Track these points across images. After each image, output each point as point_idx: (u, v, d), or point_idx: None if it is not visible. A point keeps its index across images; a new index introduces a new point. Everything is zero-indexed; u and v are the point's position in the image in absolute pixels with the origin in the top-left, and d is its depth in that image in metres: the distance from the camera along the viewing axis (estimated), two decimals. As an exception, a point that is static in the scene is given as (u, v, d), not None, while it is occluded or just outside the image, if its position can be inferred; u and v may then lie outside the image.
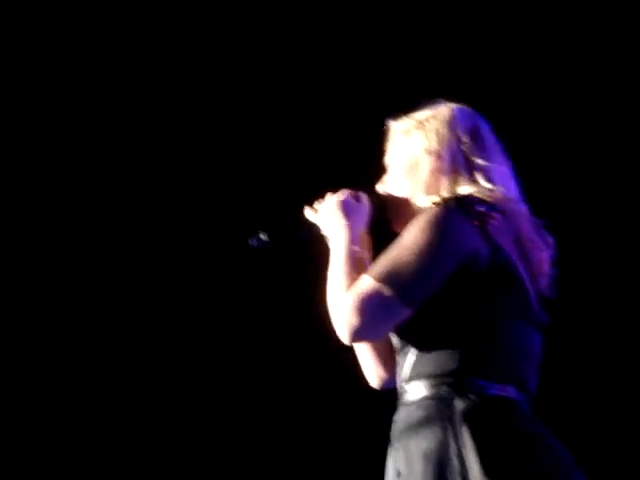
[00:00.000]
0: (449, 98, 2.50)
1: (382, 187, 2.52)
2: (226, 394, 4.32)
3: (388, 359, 2.47)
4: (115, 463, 4.31)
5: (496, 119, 2.52)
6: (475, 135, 2.42)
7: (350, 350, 2.55)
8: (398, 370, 2.36)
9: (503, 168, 2.41)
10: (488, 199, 2.32)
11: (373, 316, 2.24)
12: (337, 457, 4.19)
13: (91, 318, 4.32)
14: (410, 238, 2.26)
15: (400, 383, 2.34)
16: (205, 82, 4.28)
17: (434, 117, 2.45)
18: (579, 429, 3.84)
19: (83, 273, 4.33)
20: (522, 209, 2.38)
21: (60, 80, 4.25)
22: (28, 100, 4.25)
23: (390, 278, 2.23)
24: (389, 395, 2.42)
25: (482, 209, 2.28)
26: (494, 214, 2.29)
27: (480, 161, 2.38)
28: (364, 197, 2.47)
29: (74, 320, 4.32)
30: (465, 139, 2.40)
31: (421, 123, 2.45)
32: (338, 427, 4.20)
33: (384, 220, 2.49)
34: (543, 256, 2.38)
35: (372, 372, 2.54)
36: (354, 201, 2.45)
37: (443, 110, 2.46)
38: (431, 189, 2.39)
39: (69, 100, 4.28)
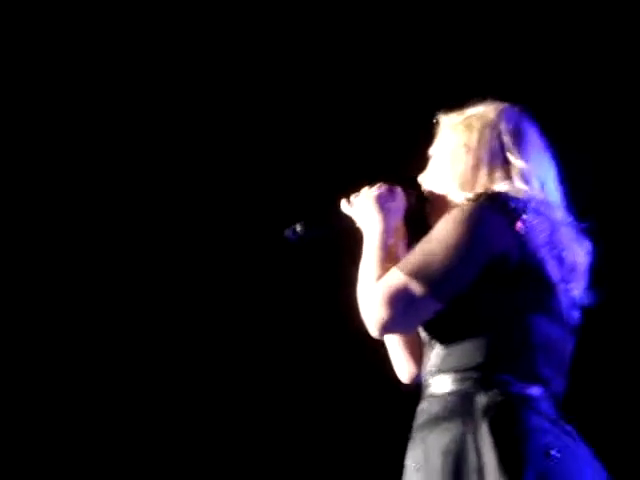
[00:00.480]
0: (502, 97, 2.53)
1: (423, 178, 2.55)
2: (254, 382, 4.34)
3: (418, 354, 2.48)
4: (115, 463, 4.33)
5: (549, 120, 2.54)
6: (518, 136, 2.43)
7: (381, 344, 2.58)
8: (424, 363, 2.38)
9: (544, 171, 2.42)
10: (522, 198, 2.33)
11: (402, 310, 2.25)
12: (364, 448, 4.21)
13: (98, 317, 4.35)
14: (442, 233, 2.28)
15: (425, 376, 2.37)
16: (239, 75, 4.29)
17: (480, 115, 2.48)
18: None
19: (87, 272, 4.34)
20: (559, 212, 2.39)
21: (60, 80, 4.27)
22: (28, 100, 4.26)
23: (420, 272, 2.25)
24: (417, 389, 2.44)
25: (515, 207, 2.29)
26: (527, 213, 2.30)
27: (519, 162, 2.39)
28: (399, 191, 2.50)
29: (77, 320, 4.33)
30: (507, 139, 2.42)
31: (467, 119, 2.49)
32: (366, 419, 4.21)
33: (421, 214, 2.51)
34: (578, 262, 2.39)
35: (402, 366, 2.56)
36: (389, 195, 2.48)
37: (490, 109, 2.49)
38: (466, 185, 2.41)
39: (69, 100, 4.28)
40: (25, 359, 4.31)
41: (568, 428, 2.28)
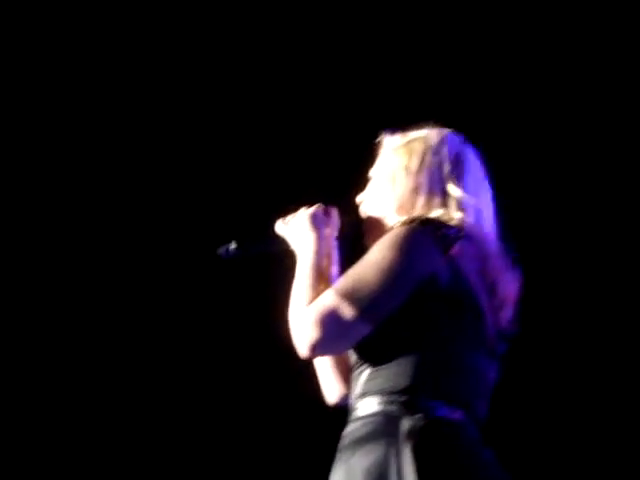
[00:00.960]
0: (446, 124, 2.54)
1: (361, 198, 2.56)
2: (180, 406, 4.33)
3: (346, 375, 2.49)
4: (114, 463, 4.31)
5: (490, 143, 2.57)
6: (459, 164, 2.45)
7: (309, 364, 2.58)
8: (352, 386, 2.38)
9: (480, 201, 2.44)
10: (456, 226, 2.35)
11: (332, 331, 2.26)
12: (288, 471, 4.20)
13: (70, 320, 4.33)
14: (374, 257, 2.29)
15: (353, 399, 2.36)
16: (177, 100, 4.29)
17: (423, 139, 2.49)
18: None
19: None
20: (491, 242, 2.41)
21: (57, 80, 4.27)
22: (28, 100, 4.26)
23: (352, 295, 2.26)
24: (345, 411, 2.45)
25: (447, 233, 2.31)
26: (459, 239, 2.31)
27: (457, 190, 2.41)
28: (335, 212, 2.51)
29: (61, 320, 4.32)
30: (447, 167, 2.44)
31: (409, 142, 2.50)
32: (291, 441, 4.22)
33: (357, 235, 2.52)
34: (508, 291, 2.41)
35: (330, 388, 2.57)
36: (324, 215, 2.49)
37: (433, 134, 2.50)
38: (403, 209, 2.43)
39: (65, 100, 4.29)
40: (25, 359, 4.29)
41: (488, 453, 2.28)
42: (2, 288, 4.29)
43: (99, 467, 4.30)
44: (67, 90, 4.28)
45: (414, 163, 2.45)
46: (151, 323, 4.32)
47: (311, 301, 2.30)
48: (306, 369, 2.62)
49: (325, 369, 2.57)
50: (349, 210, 2.54)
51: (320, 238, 2.44)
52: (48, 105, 4.28)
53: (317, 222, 2.47)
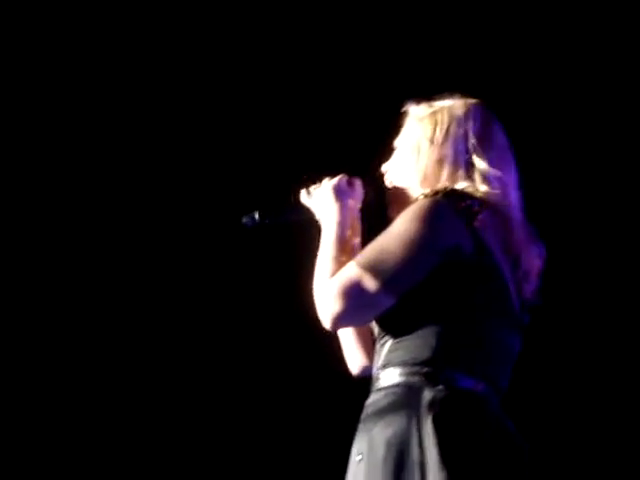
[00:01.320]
0: (471, 94, 2.52)
1: (386, 168, 2.55)
2: (207, 369, 4.34)
3: (369, 347, 2.49)
4: (114, 463, 4.33)
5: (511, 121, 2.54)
6: (484, 136, 2.43)
7: (334, 335, 2.57)
8: (375, 357, 2.38)
9: (504, 174, 2.41)
10: (481, 198, 2.33)
11: (355, 303, 2.26)
12: (311, 440, 4.22)
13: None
14: (397, 229, 2.29)
15: (375, 370, 2.37)
16: (204, 68, 4.27)
17: (449, 109, 2.47)
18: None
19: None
20: (515, 215, 2.39)
21: (56, 80, 4.26)
22: (28, 100, 4.25)
23: (375, 267, 2.25)
24: (368, 382, 2.44)
25: (471, 205, 2.30)
26: (483, 211, 2.30)
27: (482, 163, 2.39)
28: (358, 183, 2.50)
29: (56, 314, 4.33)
30: (472, 138, 2.42)
31: (435, 113, 2.48)
32: (316, 410, 4.23)
33: (381, 206, 2.52)
34: (532, 264, 2.40)
35: (353, 359, 2.57)
36: (347, 186, 2.48)
37: (459, 104, 2.48)
38: (428, 179, 2.41)
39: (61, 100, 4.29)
40: (25, 359, 4.30)
41: (509, 425, 2.28)
42: (6, 287, 4.30)
43: (99, 465, 4.31)
44: (63, 84, 4.27)
45: (439, 134, 2.44)
46: (175, 291, 4.32)
47: (334, 273, 2.30)
48: (331, 339, 2.62)
49: (348, 340, 2.58)
50: (373, 180, 2.53)
51: (343, 209, 2.44)
52: (47, 103, 4.27)
53: (340, 193, 2.46)
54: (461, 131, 2.43)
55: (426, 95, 2.55)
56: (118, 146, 4.30)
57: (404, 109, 2.55)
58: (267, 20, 4.22)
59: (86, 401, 4.31)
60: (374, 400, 2.33)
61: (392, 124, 2.58)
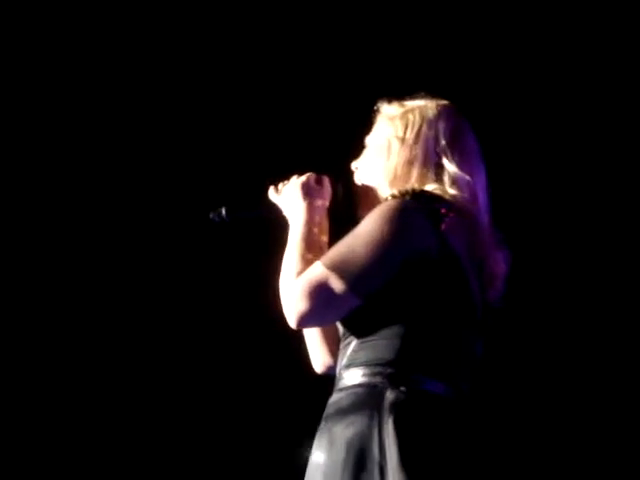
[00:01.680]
0: (444, 95, 2.52)
1: (356, 165, 2.54)
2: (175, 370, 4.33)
3: (334, 346, 2.49)
4: (114, 463, 4.31)
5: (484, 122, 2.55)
6: (454, 139, 2.43)
7: (299, 333, 2.57)
8: (339, 357, 2.38)
9: (473, 177, 2.41)
10: (449, 201, 2.33)
11: (320, 303, 2.26)
12: (273, 438, 4.21)
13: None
14: (364, 229, 2.29)
15: (339, 369, 2.37)
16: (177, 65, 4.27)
17: (420, 110, 2.47)
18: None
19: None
20: (483, 219, 2.39)
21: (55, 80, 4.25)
22: (28, 100, 4.24)
23: (340, 268, 2.25)
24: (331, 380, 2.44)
25: (439, 207, 2.30)
26: (450, 214, 2.30)
27: (451, 165, 2.39)
28: (327, 181, 2.50)
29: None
30: (443, 140, 2.42)
31: (406, 113, 2.47)
32: (279, 407, 4.22)
33: (350, 204, 2.51)
34: (497, 269, 2.40)
35: (317, 357, 2.58)
36: (315, 184, 2.48)
37: (430, 105, 2.48)
38: (397, 179, 2.41)
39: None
40: (25, 359, 4.28)
41: (470, 428, 2.28)
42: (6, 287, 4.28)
43: (99, 463, 4.31)
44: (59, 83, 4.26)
45: (410, 134, 2.43)
46: (143, 288, 4.31)
47: (300, 272, 2.30)
48: (297, 337, 2.61)
49: (313, 339, 2.58)
50: (342, 178, 2.53)
51: (311, 207, 2.44)
52: (43, 102, 4.27)
53: (308, 191, 2.46)
54: (432, 132, 2.43)
55: (397, 94, 2.54)
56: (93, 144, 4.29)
57: (375, 107, 2.54)
58: (239, 21, 4.22)
59: (75, 400, 4.31)
60: (336, 399, 2.32)
61: (363, 122, 2.58)
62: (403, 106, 2.50)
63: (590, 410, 4.11)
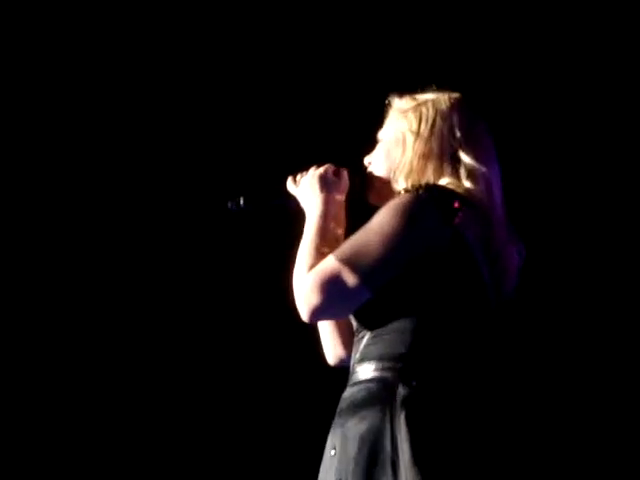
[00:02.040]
0: (456, 88, 2.51)
1: (368, 160, 2.53)
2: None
3: (348, 338, 2.49)
4: (114, 463, 4.32)
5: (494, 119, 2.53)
6: (469, 131, 2.41)
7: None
8: (353, 351, 2.38)
9: (488, 170, 2.39)
10: (464, 195, 2.32)
11: (332, 297, 2.26)
12: (289, 430, 4.21)
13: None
14: (378, 223, 2.28)
15: (352, 364, 2.37)
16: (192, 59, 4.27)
17: (433, 103, 2.45)
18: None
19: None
20: (497, 212, 2.38)
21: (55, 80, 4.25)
22: (28, 100, 4.24)
23: (353, 261, 2.25)
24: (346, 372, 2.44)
25: (454, 202, 2.29)
26: (465, 208, 2.29)
27: (467, 159, 2.38)
28: (345, 173, 2.49)
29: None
30: (457, 132, 2.40)
31: (419, 105, 2.46)
32: (295, 399, 4.23)
33: (364, 197, 2.51)
34: (511, 262, 2.39)
35: (330, 349, 2.57)
36: (333, 176, 2.47)
37: (443, 98, 2.46)
38: (413, 173, 2.40)
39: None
40: (25, 359, 4.28)
41: (483, 423, 2.27)
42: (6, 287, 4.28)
43: (99, 465, 4.31)
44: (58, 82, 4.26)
45: (424, 128, 2.42)
46: (159, 276, 4.31)
47: (313, 265, 2.30)
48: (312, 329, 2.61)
49: (326, 331, 2.58)
50: (358, 171, 2.52)
51: (328, 199, 2.43)
52: (43, 102, 4.26)
53: (326, 183, 2.45)
54: (446, 125, 2.42)
55: (408, 88, 2.53)
56: (105, 137, 4.29)
57: (387, 101, 2.53)
58: (252, 17, 4.22)
59: (77, 400, 4.31)
60: (349, 394, 2.33)
61: (375, 116, 2.56)
62: (415, 99, 2.49)
63: (602, 409, 4.09)
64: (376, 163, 2.51)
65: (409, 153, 2.42)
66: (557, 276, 4.08)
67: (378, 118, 2.55)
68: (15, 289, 4.28)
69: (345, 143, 2.84)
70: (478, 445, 2.23)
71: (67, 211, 4.29)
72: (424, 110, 2.44)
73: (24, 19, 4.18)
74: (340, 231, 2.43)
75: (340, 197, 2.46)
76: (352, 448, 2.23)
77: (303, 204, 2.48)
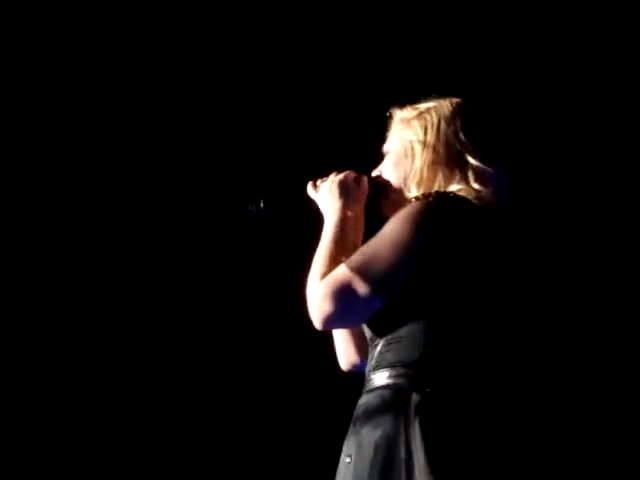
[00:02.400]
0: (455, 93, 2.51)
1: (376, 174, 2.54)
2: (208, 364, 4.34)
3: (361, 345, 2.50)
4: (114, 463, 4.33)
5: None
6: (474, 133, 2.42)
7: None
8: (368, 358, 2.38)
9: (495, 170, 2.40)
10: (474, 200, 2.33)
11: (344, 306, 2.27)
12: (303, 438, 4.22)
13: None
14: (389, 231, 2.29)
15: (368, 371, 2.37)
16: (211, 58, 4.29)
17: (435, 110, 2.46)
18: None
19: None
20: (506, 216, 2.39)
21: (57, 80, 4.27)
22: (28, 100, 4.26)
23: (365, 270, 2.26)
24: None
25: (463, 209, 2.29)
26: (475, 213, 2.30)
27: (474, 161, 2.38)
28: (365, 180, 2.49)
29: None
30: (462, 136, 2.41)
31: (422, 114, 2.47)
32: (310, 405, 4.23)
33: (376, 205, 2.51)
34: (519, 266, 2.39)
35: (344, 356, 2.58)
36: (354, 183, 2.47)
37: (445, 104, 2.47)
38: (423, 182, 2.40)
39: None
40: (25, 359, 4.30)
41: (498, 428, 2.27)
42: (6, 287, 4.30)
43: (99, 465, 4.32)
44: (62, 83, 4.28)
45: (430, 136, 2.43)
46: (177, 276, 4.33)
47: (326, 274, 2.31)
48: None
49: (340, 338, 2.58)
50: (373, 180, 2.52)
51: (347, 206, 2.44)
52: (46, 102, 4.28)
53: (345, 189, 2.46)
54: (451, 129, 2.42)
55: (411, 99, 2.54)
56: (127, 136, 4.31)
57: (388, 114, 2.54)
58: (273, 20, 4.24)
59: (86, 400, 4.32)
60: (365, 401, 2.33)
61: (377, 130, 2.57)
62: (417, 108, 2.50)
63: (619, 416, 4.09)
64: (386, 175, 2.51)
65: (418, 162, 2.42)
66: (566, 275, 4.08)
67: (380, 132, 2.55)
68: (18, 289, 4.29)
69: (361, 153, 2.84)
70: (493, 451, 2.23)
71: (92, 214, 4.32)
72: (428, 117, 2.45)
73: (24, 19, 4.20)
74: (359, 239, 2.42)
75: (359, 205, 2.46)
76: (367, 454, 2.23)
77: (322, 210, 2.48)
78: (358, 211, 2.45)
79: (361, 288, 2.25)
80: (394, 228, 2.28)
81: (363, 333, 2.44)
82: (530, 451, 2.37)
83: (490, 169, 2.38)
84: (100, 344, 4.31)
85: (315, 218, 2.53)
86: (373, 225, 2.42)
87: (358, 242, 2.41)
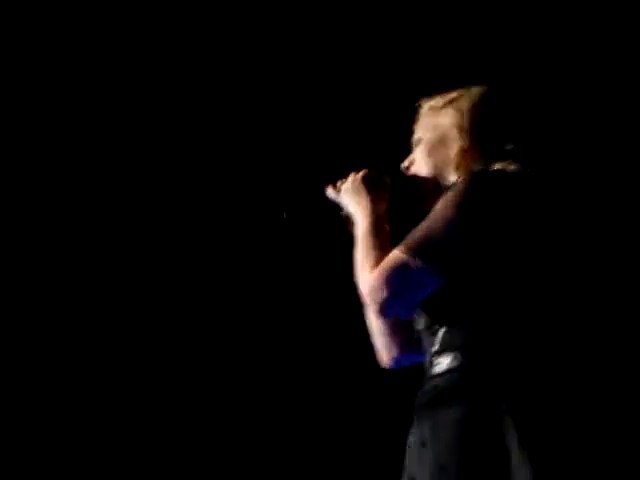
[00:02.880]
0: (482, 82, 2.54)
1: (406, 165, 2.55)
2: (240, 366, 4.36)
3: (404, 338, 2.50)
4: (115, 463, 4.33)
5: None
6: (507, 117, 2.46)
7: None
8: (427, 347, 2.37)
9: (530, 152, 2.43)
10: (514, 176, 2.34)
11: (403, 287, 2.26)
12: (352, 436, 4.21)
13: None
14: (440, 212, 2.29)
15: (428, 358, 2.36)
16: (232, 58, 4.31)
17: (466, 96, 2.49)
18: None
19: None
20: (546, 191, 2.40)
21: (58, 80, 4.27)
22: (28, 100, 4.26)
23: (419, 248, 2.25)
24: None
25: (508, 185, 2.31)
26: (518, 192, 2.31)
27: (509, 143, 2.41)
28: (387, 177, 2.50)
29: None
30: (496, 120, 2.44)
31: (453, 101, 2.49)
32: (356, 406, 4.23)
33: (407, 200, 2.52)
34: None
35: (386, 350, 2.56)
36: (377, 179, 2.49)
37: (475, 90, 2.50)
38: (462, 165, 2.43)
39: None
40: (25, 359, 4.31)
41: (580, 404, 2.28)
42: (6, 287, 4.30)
43: (99, 465, 4.32)
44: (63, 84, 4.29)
45: (464, 120, 2.45)
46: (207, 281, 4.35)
47: (377, 262, 2.30)
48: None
49: (382, 332, 2.55)
50: (398, 176, 2.53)
51: (377, 200, 2.45)
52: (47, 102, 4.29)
53: (372, 184, 2.47)
54: (483, 114, 2.45)
55: (431, 92, 2.57)
56: (137, 139, 4.33)
57: (417, 104, 2.56)
58: (287, 23, 4.25)
59: (86, 400, 4.32)
60: (431, 387, 2.32)
61: (403, 123, 2.59)
62: (446, 97, 2.52)
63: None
64: (419, 164, 2.52)
65: (455, 147, 2.45)
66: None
67: (405, 124, 2.57)
68: (20, 289, 4.30)
69: (374, 153, 2.85)
70: (585, 431, 2.24)
71: (101, 214, 4.33)
72: (461, 103, 2.47)
73: (24, 19, 4.20)
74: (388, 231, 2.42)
75: (384, 200, 2.47)
76: (446, 435, 2.22)
77: (350, 209, 2.48)
78: (384, 207, 2.46)
79: (418, 266, 2.24)
80: (445, 207, 2.28)
81: (406, 326, 2.46)
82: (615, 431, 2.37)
83: (525, 152, 2.41)
84: (100, 344, 4.32)
85: (339, 220, 2.54)
86: (407, 220, 2.42)
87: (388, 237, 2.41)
